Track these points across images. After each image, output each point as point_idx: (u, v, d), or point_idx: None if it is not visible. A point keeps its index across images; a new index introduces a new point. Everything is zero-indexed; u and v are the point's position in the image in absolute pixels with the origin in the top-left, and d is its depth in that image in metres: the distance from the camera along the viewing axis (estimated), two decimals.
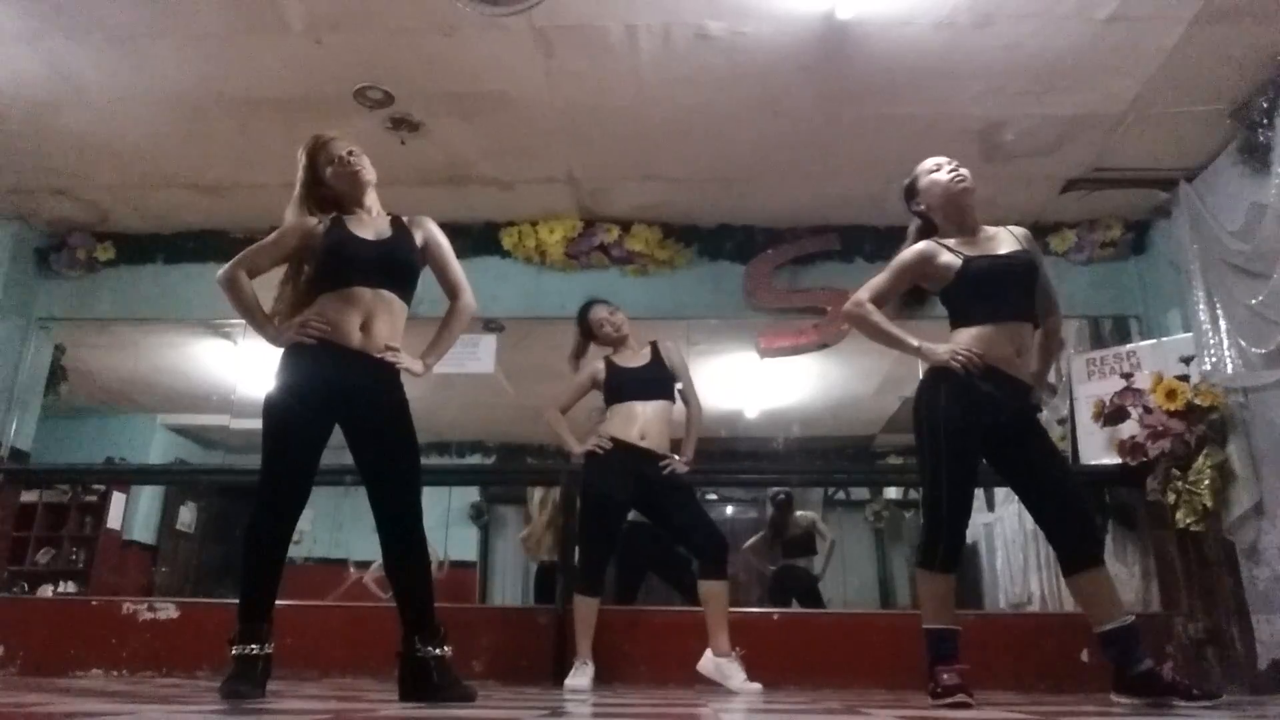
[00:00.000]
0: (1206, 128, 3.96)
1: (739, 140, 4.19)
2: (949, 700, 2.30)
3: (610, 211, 4.92)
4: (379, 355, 2.47)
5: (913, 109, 3.90)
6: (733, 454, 7.68)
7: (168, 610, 3.82)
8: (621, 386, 3.49)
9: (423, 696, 2.28)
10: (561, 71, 3.72)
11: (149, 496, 8.02)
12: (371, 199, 2.65)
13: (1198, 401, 3.59)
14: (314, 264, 2.56)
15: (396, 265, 2.55)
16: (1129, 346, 4.45)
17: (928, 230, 2.74)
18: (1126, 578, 4.17)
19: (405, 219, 2.67)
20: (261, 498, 2.38)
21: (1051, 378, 4.66)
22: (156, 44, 3.57)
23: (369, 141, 2.75)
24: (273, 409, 2.43)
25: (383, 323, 2.49)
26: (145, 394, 7.44)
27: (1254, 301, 3.63)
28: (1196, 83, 3.67)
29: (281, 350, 2.50)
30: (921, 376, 2.65)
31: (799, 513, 6.52)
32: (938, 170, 2.68)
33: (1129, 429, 3.83)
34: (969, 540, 6.65)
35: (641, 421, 3.40)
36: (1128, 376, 4.00)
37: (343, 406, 2.44)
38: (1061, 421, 4.78)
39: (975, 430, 2.50)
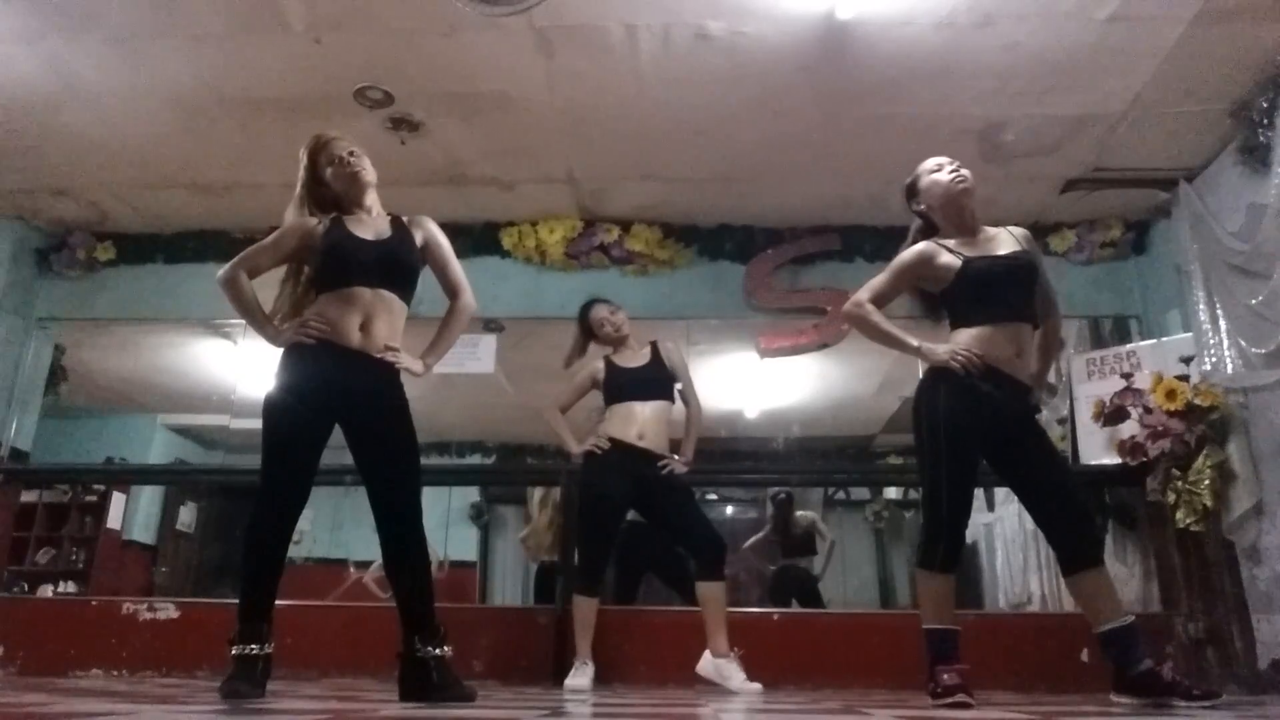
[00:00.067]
0: (1206, 128, 3.96)
1: (739, 140, 4.19)
2: (949, 700, 2.30)
3: (610, 211, 4.93)
4: (379, 355, 2.47)
5: (913, 109, 3.90)
6: (733, 454, 7.67)
7: (168, 610, 3.82)
8: (621, 386, 3.49)
9: (423, 696, 2.28)
10: (561, 71, 3.72)
11: (149, 496, 8.02)
12: (371, 199, 2.65)
13: (1198, 401, 3.59)
14: (314, 264, 2.56)
15: (396, 265, 2.55)
16: (1129, 346, 4.45)
17: (928, 230, 2.74)
18: (1126, 578, 4.17)
19: (405, 219, 2.67)
20: (261, 498, 2.39)
21: (1051, 378, 4.66)
22: (156, 44, 3.57)
23: (369, 141, 2.75)
24: (272, 409, 2.43)
25: (382, 323, 2.49)
26: (145, 394, 7.43)
27: (1254, 301, 3.63)
28: (1196, 83, 3.67)
29: (281, 350, 2.50)
30: (921, 377, 2.65)
31: (799, 513, 6.52)
32: (939, 170, 2.69)
33: (1129, 429, 3.83)
34: (969, 540, 6.66)
35: (640, 422, 3.40)
36: (1128, 376, 4.00)
37: (342, 406, 2.45)
38: (1061, 421, 4.78)
39: (975, 430, 2.50)
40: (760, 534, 6.61)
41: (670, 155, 4.36)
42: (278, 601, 2.42)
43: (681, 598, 4.36)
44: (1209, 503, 3.46)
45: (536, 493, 6.14)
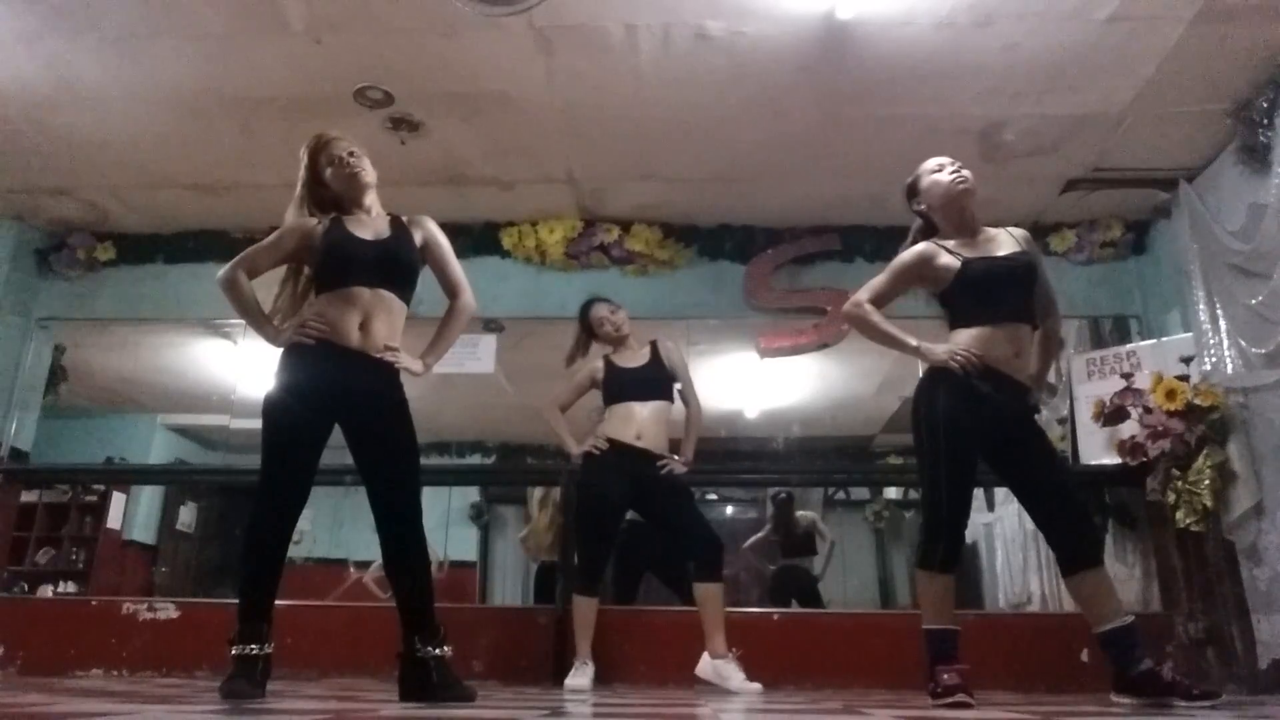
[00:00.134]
0: (1206, 128, 3.96)
1: (739, 140, 4.19)
2: (949, 700, 2.30)
3: (610, 211, 4.92)
4: (378, 355, 2.47)
5: (913, 109, 3.90)
6: (733, 454, 7.66)
7: (168, 610, 3.83)
8: (619, 387, 3.49)
9: (423, 696, 2.28)
10: (561, 71, 3.72)
11: (149, 496, 8.02)
12: (371, 199, 2.65)
13: (1198, 401, 3.59)
14: (313, 264, 2.57)
15: (395, 265, 2.56)
16: (1129, 346, 4.45)
17: (929, 230, 2.74)
18: (1126, 578, 4.17)
19: (404, 219, 2.67)
20: (261, 498, 2.39)
21: (1051, 378, 4.66)
22: (156, 44, 3.57)
23: (369, 141, 2.75)
24: (272, 409, 2.43)
25: (381, 323, 2.49)
26: (145, 394, 7.43)
27: (1254, 301, 3.63)
28: (1196, 83, 3.67)
29: (281, 350, 2.51)
30: (920, 377, 2.65)
31: (800, 513, 6.53)
32: (939, 171, 2.69)
33: (1129, 429, 3.83)
34: (969, 540, 6.65)
35: (638, 422, 3.40)
36: (1128, 376, 4.00)
37: (342, 407, 2.45)
38: (1061, 421, 4.78)
39: (974, 430, 2.50)
40: (760, 534, 6.61)
41: (670, 155, 4.36)
42: (278, 601, 2.42)
43: (680, 598, 4.37)
44: (1209, 503, 3.46)
45: (536, 493, 6.13)
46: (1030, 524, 4.97)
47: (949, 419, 2.49)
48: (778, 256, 4.93)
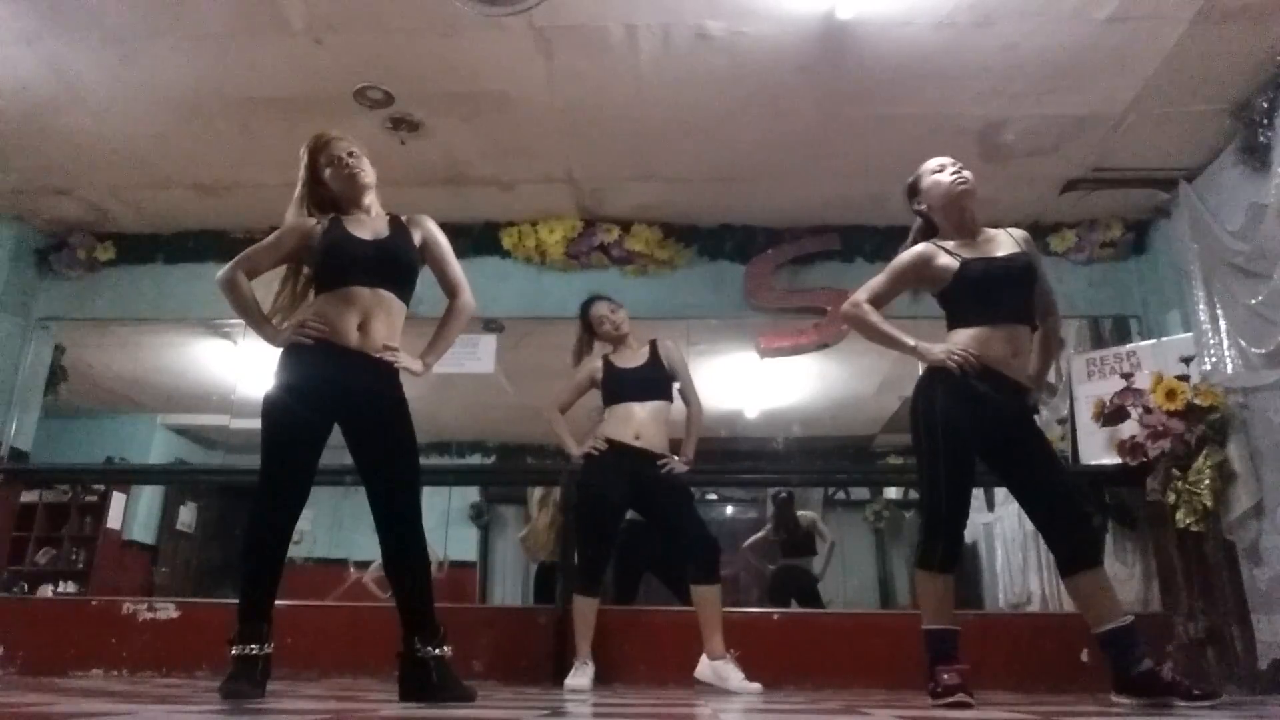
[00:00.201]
0: (1206, 128, 3.96)
1: (739, 140, 4.19)
2: (949, 700, 2.30)
3: (610, 211, 4.93)
4: (377, 355, 2.47)
5: (913, 109, 3.90)
6: (733, 454, 7.66)
7: (168, 610, 3.82)
8: (618, 387, 3.49)
9: (423, 696, 2.28)
10: (561, 71, 3.72)
11: (149, 496, 8.02)
12: (370, 200, 2.65)
13: (1198, 401, 3.59)
14: (312, 264, 2.57)
15: (394, 265, 2.55)
16: (1129, 346, 4.45)
17: (929, 230, 2.74)
18: (1126, 578, 4.17)
19: (404, 218, 2.67)
20: (261, 497, 2.39)
21: (1051, 378, 4.66)
22: (156, 44, 3.57)
23: (369, 141, 2.75)
24: (271, 409, 2.43)
25: (380, 322, 2.49)
26: (145, 394, 7.44)
27: (1254, 301, 3.63)
28: (1196, 83, 3.67)
29: (280, 350, 2.51)
30: (919, 377, 2.65)
31: (800, 512, 6.53)
32: (940, 171, 2.69)
33: (1129, 429, 3.83)
34: (969, 540, 6.65)
35: (637, 422, 3.40)
36: (1128, 376, 4.00)
37: (341, 406, 2.45)
38: (1061, 421, 4.78)
39: (972, 430, 2.50)
40: (760, 533, 6.61)
41: (670, 155, 4.36)
42: (278, 601, 2.41)
43: (679, 599, 4.37)
44: (1209, 503, 3.46)
45: (536, 493, 6.14)
46: (1030, 524, 4.98)
47: (947, 419, 2.50)
48: (778, 256, 4.93)
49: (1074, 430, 4.47)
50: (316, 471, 2.48)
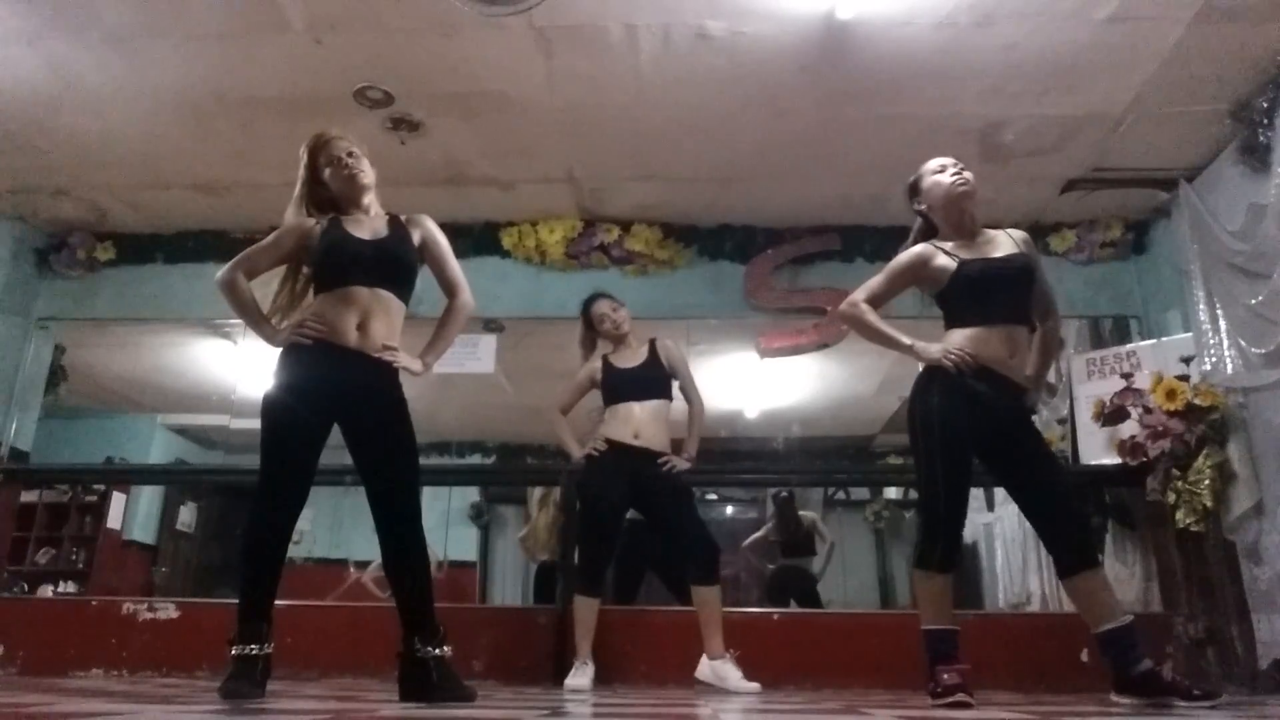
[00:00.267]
0: (1206, 128, 3.96)
1: (739, 140, 4.19)
2: (949, 700, 2.30)
3: (610, 211, 4.93)
4: (376, 355, 2.46)
5: (913, 109, 3.90)
6: (733, 454, 7.66)
7: (168, 610, 3.82)
8: (617, 387, 3.49)
9: (423, 696, 2.28)
10: (561, 71, 3.72)
11: (149, 496, 8.02)
12: (369, 200, 2.65)
13: (1198, 401, 3.59)
14: (311, 264, 2.57)
15: (393, 264, 2.55)
16: (1129, 346, 4.45)
17: (929, 230, 2.75)
18: (1126, 578, 4.17)
19: (403, 218, 2.67)
20: (260, 498, 2.38)
21: (1051, 378, 4.66)
22: (156, 44, 3.57)
23: (369, 141, 2.75)
24: (271, 409, 2.43)
25: (379, 322, 2.49)
26: (145, 394, 7.44)
27: (1254, 301, 3.63)
28: (1196, 83, 3.67)
29: (279, 350, 2.51)
30: (917, 377, 2.65)
31: (801, 513, 6.52)
32: (941, 172, 2.69)
33: (1129, 429, 3.83)
34: (969, 540, 6.66)
35: (636, 421, 3.40)
36: (1128, 376, 4.00)
37: (340, 406, 2.45)
38: (1061, 421, 4.78)
39: (969, 429, 2.50)
40: (760, 532, 6.61)
41: (670, 155, 4.36)
42: (278, 601, 2.41)
43: (680, 599, 4.37)
44: (1209, 503, 3.46)
45: (536, 492, 6.14)
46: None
47: (944, 418, 2.50)
48: (778, 256, 4.93)
49: (1074, 430, 4.47)
50: (316, 471, 2.47)
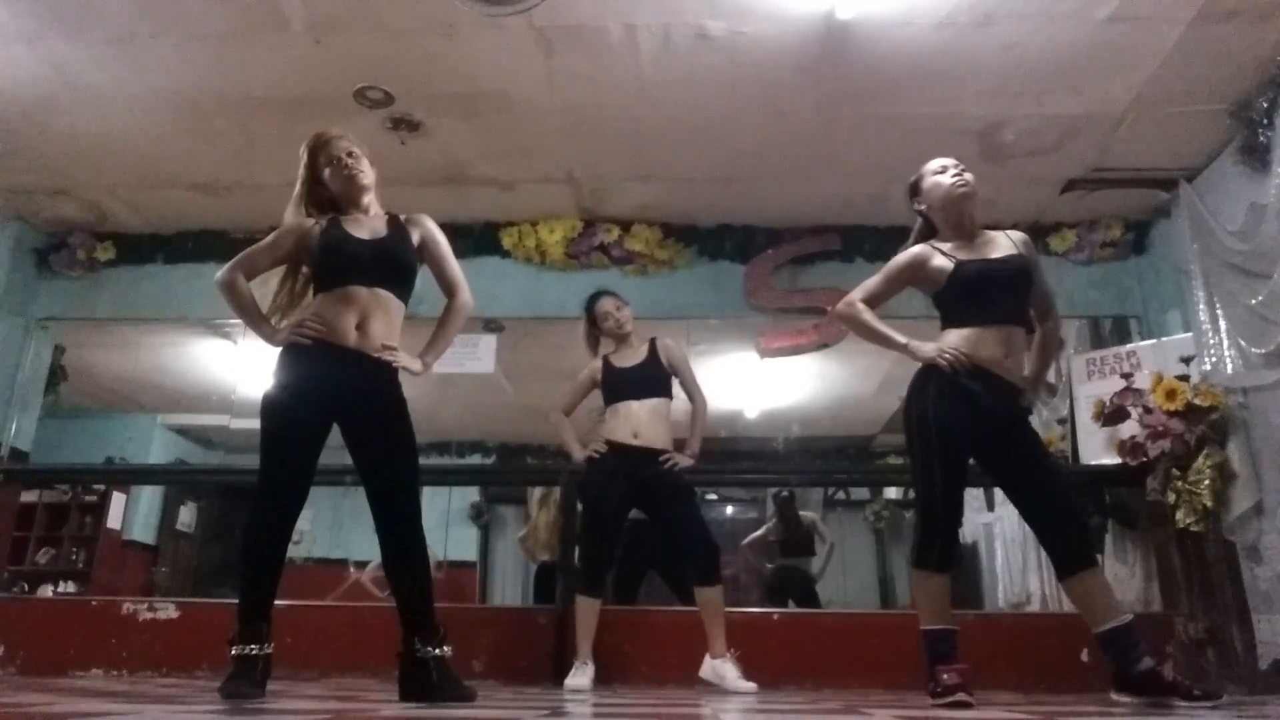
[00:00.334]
0: (1206, 128, 3.96)
1: (739, 140, 4.19)
2: (949, 700, 2.30)
3: (610, 211, 4.93)
4: (375, 354, 2.46)
5: (913, 109, 3.90)
6: (733, 454, 7.68)
7: (168, 610, 3.82)
8: (617, 386, 3.49)
9: (423, 696, 2.28)
10: (561, 71, 3.72)
11: (149, 496, 8.03)
12: (369, 200, 2.65)
13: (1198, 401, 3.59)
14: (310, 264, 2.57)
15: (392, 264, 2.55)
16: (1129, 346, 4.45)
17: (930, 230, 2.75)
18: (1126, 578, 4.17)
19: (402, 217, 2.67)
20: (260, 497, 2.38)
21: (1051, 378, 4.66)
22: (156, 44, 3.57)
23: (369, 141, 2.75)
24: (270, 409, 2.43)
25: (379, 322, 2.49)
26: (145, 394, 7.44)
27: (1254, 301, 3.63)
28: (1196, 83, 3.67)
29: (279, 350, 2.51)
30: (913, 378, 2.65)
31: (801, 513, 6.53)
32: (942, 173, 2.69)
33: (1129, 429, 3.83)
34: (969, 540, 6.66)
35: (635, 420, 3.39)
36: (1128, 376, 4.00)
37: (340, 406, 2.44)
38: (1061, 421, 4.78)
39: (964, 429, 2.50)
40: (759, 531, 6.61)
41: (670, 155, 4.36)
42: (278, 601, 2.41)
43: (682, 599, 4.37)
44: (1209, 503, 3.46)
45: (536, 493, 6.15)
46: None
47: (940, 418, 2.50)
48: (778, 256, 4.93)
49: (1074, 430, 4.47)
50: (316, 471, 2.47)
